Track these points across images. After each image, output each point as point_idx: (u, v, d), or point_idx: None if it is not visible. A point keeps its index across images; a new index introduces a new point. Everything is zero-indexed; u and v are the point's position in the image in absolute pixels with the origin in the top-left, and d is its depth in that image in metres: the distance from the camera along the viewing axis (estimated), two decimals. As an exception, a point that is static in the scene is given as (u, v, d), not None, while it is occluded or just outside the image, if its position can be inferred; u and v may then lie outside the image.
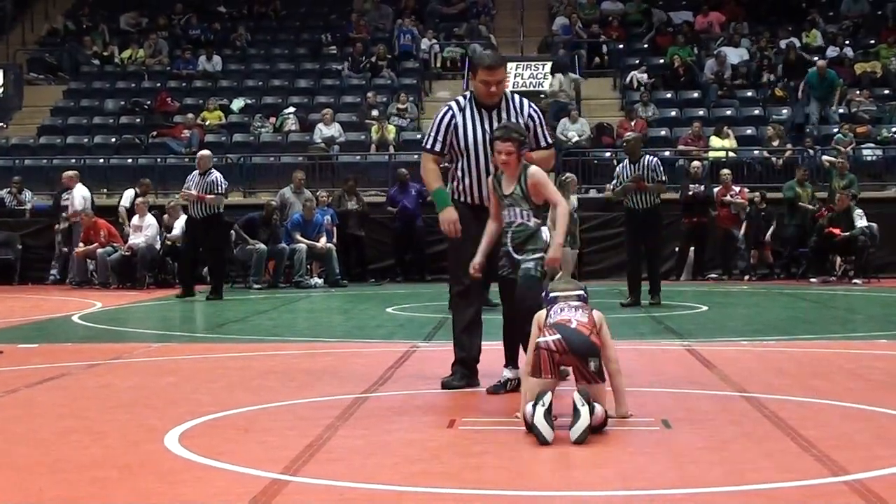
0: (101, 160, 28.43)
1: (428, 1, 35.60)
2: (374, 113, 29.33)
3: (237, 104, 31.01)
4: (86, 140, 29.64)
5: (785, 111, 29.60)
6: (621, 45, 33.38)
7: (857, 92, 29.74)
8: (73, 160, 27.44)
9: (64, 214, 24.49)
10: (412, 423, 7.72)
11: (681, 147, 27.65)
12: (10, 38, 35.91)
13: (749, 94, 30.59)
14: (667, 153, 27.74)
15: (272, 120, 30.01)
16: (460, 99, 9.41)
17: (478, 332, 9.37)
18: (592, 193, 26.26)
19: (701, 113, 29.56)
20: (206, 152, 20.83)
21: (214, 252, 20.24)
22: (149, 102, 31.07)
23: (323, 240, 23.40)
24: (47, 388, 9.62)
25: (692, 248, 24.37)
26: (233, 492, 5.83)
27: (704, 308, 17.56)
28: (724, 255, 24.55)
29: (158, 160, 28.49)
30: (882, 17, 34.04)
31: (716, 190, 24.50)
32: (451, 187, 9.45)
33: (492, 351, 9.51)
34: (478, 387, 9.18)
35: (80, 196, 24.28)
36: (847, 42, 32.27)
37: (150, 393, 9.23)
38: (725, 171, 24.88)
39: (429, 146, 9.36)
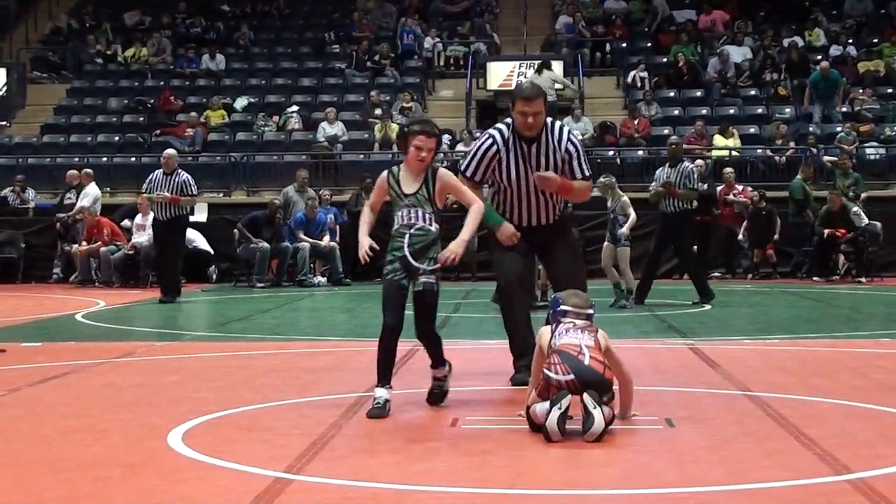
0: (105, 159, 28.43)
1: (431, -1, 35.66)
2: (378, 111, 29.32)
3: (240, 103, 31.01)
4: (89, 139, 29.64)
5: (788, 110, 29.59)
6: (624, 44, 33.37)
7: (861, 91, 29.72)
8: (77, 159, 27.45)
9: (61, 215, 24.44)
10: (415, 422, 7.73)
11: (683, 146, 27.61)
12: (14, 36, 35.94)
13: (752, 92, 30.58)
14: (670, 152, 27.74)
15: (275, 118, 30.01)
16: (503, 128, 9.20)
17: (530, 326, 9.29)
18: (595, 192, 26.17)
19: (704, 112, 29.55)
20: (171, 152, 20.14)
21: (175, 252, 19.52)
22: (152, 101, 31.07)
23: (326, 238, 23.40)
24: (50, 387, 9.62)
25: (695, 247, 24.33)
26: (236, 490, 5.84)
27: (708, 307, 17.55)
28: (728, 254, 24.53)
29: (161, 159, 28.44)
30: (886, 15, 34.00)
31: (719, 189, 24.47)
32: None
33: (494, 349, 9.50)
34: None
35: (94, 194, 24.35)
36: (850, 41, 32.25)
37: (153, 391, 9.24)
38: (728, 169, 24.86)
39: (468, 173, 9.16)
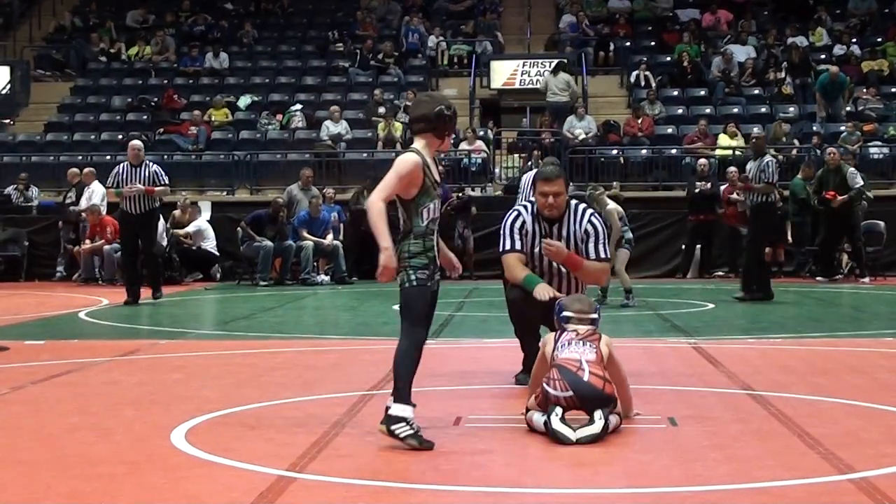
0: (108, 157, 28.38)
1: (435, -2, 35.67)
2: (381, 110, 29.33)
3: (244, 101, 31.02)
4: (93, 137, 29.64)
5: (792, 109, 29.58)
6: (628, 43, 33.38)
7: (864, 90, 29.71)
8: (80, 157, 27.46)
9: (75, 209, 24.40)
10: (418, 421, 7.72)
11: (687, 145, 27.62)
12: (18, 34, 35.96)
13: (756, 91, 30.57)
14: (673, 151, 27.77)
15: (279, 117, 30.02)
16: (527, 205, 9.08)
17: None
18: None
19: (708, 111, 29.55)
20: (138, 143, 19.02)
21: (153, 248, 18.88)
22: (156, 99, 31.08)
23: (329, 237, 23.40)
24: (54, 385, 9.62)
25: (699, 246, 24.36)
26: (239, 488, 5.84)
27: (711, 306, 17.56)
28: (731, 253, 24.52)
29: (165, 157, 28.46)
30: (889, 14, 34.00)
31: (722, 188, 24.47)
32: None
33: (497, 348, 9.50)
34: None
35: (102, 192, 24.36)
36: (854, 40, 32.24)
37: (156, 389, 9.24)
38: (732, 168, 24.84)
39: (508, 248, 8.94)
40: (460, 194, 24.85)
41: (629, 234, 17.63)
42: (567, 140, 27.60)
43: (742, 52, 31.58)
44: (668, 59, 32.14)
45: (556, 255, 8.70)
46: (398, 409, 6.82)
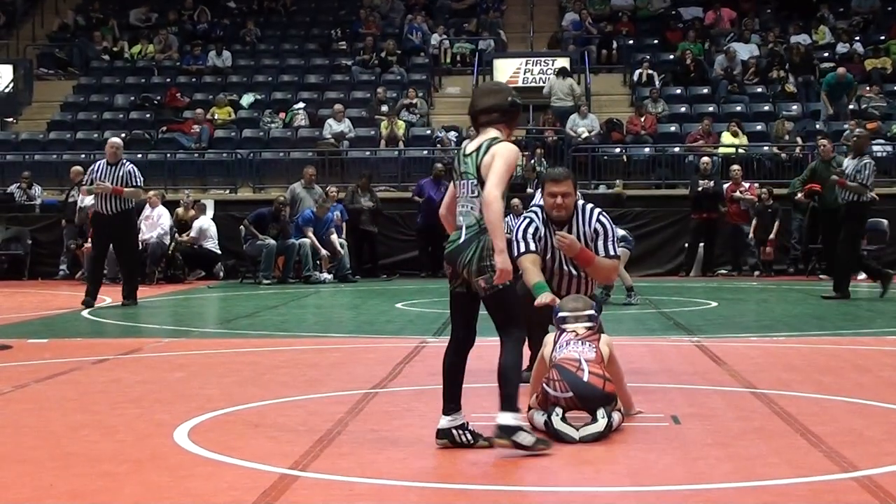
0: (125, 158, 28.36)
1: (438, -4, 35.66)
2: (384, 109, 29.33)
3: (247, 100, 31.01)
4: (95, 135, 29.61)
5: (795, 107, 29.57)
6: (631, 41, 33.38)
7: (868, 88, 29.68)
8: (83, 155, 27.43)
9: (83, 205, 24.33)
10: (421, 419, 7.73)
11: (690, 143, 27.61)
12: (21, 33, 35.96)
13: (759, 89, 30.55)
14: (676, 149, 27.76)
15: (282, 115, 30.01)
16: (537, 210, 9.07)
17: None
18: (602, 189, 26.25)
19: (711, 109, 29.53)
20: (116, 141, 18.40)
21: (130, 251, 18.28)
22: (158, 98, 31.08)
23: (334, 236, 23.35)
24: (57, 383, 9.63)
25: (702, 245, 24.35)
26: (242, 487, 5.84)
27: (714, 304, 17.56)
28: (734, 252, 24.52)
29: (168, 156, 28.52)
30: (892, 12, 33.96)
31: (725, 186, 24.45)
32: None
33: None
34: None
35: None
36: (857, 38, 32.21)
37: (159, 388, 9.25)
38: (735, 167, 24.84)
39: (523, 250, 8.81)
40: None
41: (620, 232, 17.61)
42: (570, 138, 27.59)
43: (745, 51, 31.55)
44: (671, 57, 32.12)
45: (570, 249, 8.68)
46: (511, 419, 6.66)
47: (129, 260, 18.22)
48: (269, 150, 28.83)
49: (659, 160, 27.56)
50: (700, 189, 24.11)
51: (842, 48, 31.59)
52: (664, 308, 16.73)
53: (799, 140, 27.49)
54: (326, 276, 23.32)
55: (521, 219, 9.14)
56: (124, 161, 17.76)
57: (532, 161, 26.19)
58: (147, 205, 23.52)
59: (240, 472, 6.17)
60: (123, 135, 29.39)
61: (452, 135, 28.24)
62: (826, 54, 31.48)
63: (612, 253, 8.87)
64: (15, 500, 5.68)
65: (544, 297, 8.21)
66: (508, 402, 6.71)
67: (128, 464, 6.39)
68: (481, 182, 6.80)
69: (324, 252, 23.18)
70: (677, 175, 26.84)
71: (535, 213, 9.05)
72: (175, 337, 13.32)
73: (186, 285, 22.69)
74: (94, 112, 31.05)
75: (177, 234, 23.65)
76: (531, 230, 8.91)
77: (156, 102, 30.93)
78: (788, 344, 12.30)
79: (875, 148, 27.47)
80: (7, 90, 32.24)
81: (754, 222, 24.14)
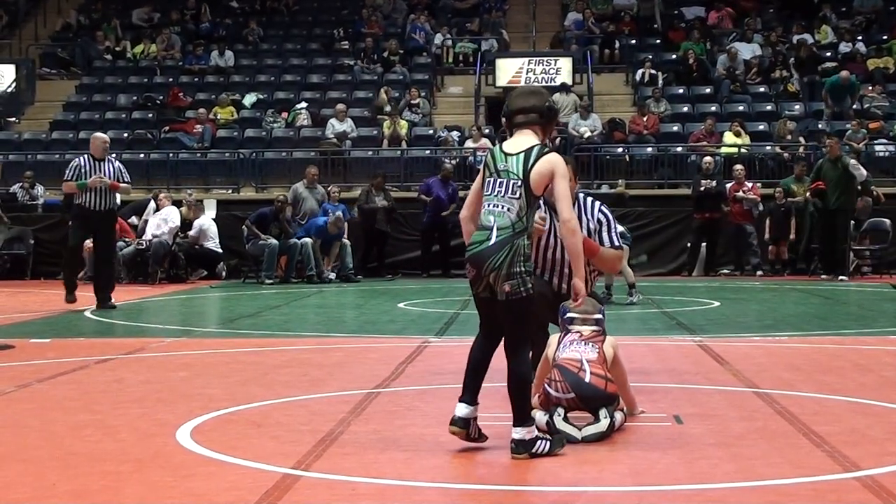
0: (114, 155, 28.32)
1: (441, -5, 35.66)
2: (387, 108, 29.33)
3: (249, 99, 31.02)
4: (98, 135, 29.64)
5: (797, 107, 29.56)
6: (634, 41, 33.37)
7: (870, 88, 29.67)
8: (85, 155, 27.41)
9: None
10: (424, 419, 7.73)
11: (692, 143, 27.60)
12: (23, 33, 35.96)
13: (761, 89, 30.55)
14: (678, 149, 27.74)
15: (284, 115, 30.01)
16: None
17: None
18: (605, 189, 26.24)
19: (713, 108, 29.52)
20: (104, 135, 18.20)
21: (114, 252, 18.24)
22: (161, 97, 31.09)
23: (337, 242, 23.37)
24: (59, 383, 9.63)
25: (704, 244, 24.35)
26: (245, 486, 5.84)
27: (716, 304, 17.55)
28: (737, 251, 24.50)
29: (170, 155, 28.53)
30: (895, 12, 33.95)
31: (728, 186, 24.45)
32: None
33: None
34: None
35: None
36: (860, 38, 32.20)
37: (162, 387, 9.25)
38: (738, 166, 24.83)
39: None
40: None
41: (620, 228, 17.59)
42: (572, 138, 27.59)
43: (747, 50, 31.54)
44: (674, 56, 32.12)
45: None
46: (526, 433, 6.58)
47: (112, 260, 17.97)
48: (272, 149, 28.83)
49: (661, 160, 27.56)
50: (702, 189, 24.10)
51: (844, 48, 31.58)
52: (667, 308, 16.73)
53: (802, 140, 27.47)
54: (331, 275, 23.30)
55: None
56: (111, 157, 17.53)
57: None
58: (155, 204, 23.55)
59: (242, 472, 6.17)
60: (126, 134, 29.49)
61: (455, 134, 28.25)
62: (828, 54, 31.45)
63: (615, 243, 8.88)
64: (17, 500, 5.68)
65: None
66: (521, 415, 6.64)
67: (130, 463, 6.40)
68: (527, 186, 6.70)
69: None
70: (680, 175, 26.83)
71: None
72: (177, 337, 13.32)
73: (189, 285, 22.69)
74: (97, 112, 31.06)
75: (178, 234, 23.63)
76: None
77: (158, 102, 30.94)
78: (791, 344, 12.30)
79: (878, 148, 27.54)
80: (9, 90, 32.24)
81: (767, 222, 24.11)
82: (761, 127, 28.54)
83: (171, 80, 32.36)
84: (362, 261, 24.22)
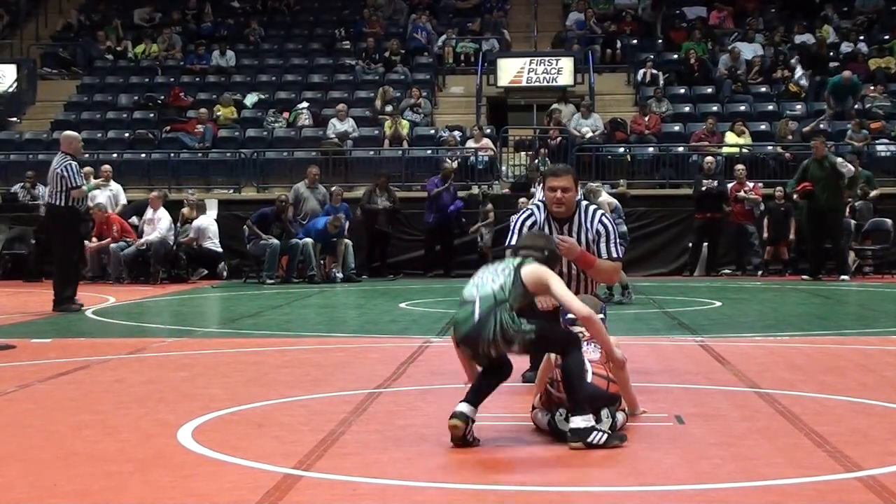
0: (115, 155, 28.42)
1: (442, -5, 35.68)
2: (388, 108, 29.33)
3: (250, 99, 31.04)
4: (99, 135, 29.65)
5: (799, 106, 29.56)
6: (635, 41, 33.37)
7: (872, 87, 29.65)
8: (87, 155, 27.39)
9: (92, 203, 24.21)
10: (425, 419, 7.73)
11: (694, 143, 27.59)
12: (24, 32, 36.00)
13: (763, 89, 30.55)
14: (680, 149, 27.75)
15: (285, 115, 30.03)
16: (539, 205, 9.06)
17: None
18: (606, 189, 26.21)
19: (715, 108, 29.52)
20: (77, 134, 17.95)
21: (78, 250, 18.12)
22: (162, 97, 31.10)
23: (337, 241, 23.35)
24: (61, 383, 9.63)
25: (705, 244, 24.35)
26: (246, 486, 5.84)
27: (718, 304, 17.55)
28: (738, 251, 24.50)
29: (172, 155, 28.54)
30: (897, 12, 34.02)
31: (729, 185, 24.45)
32: None
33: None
34: None
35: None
36: (861, 38, 32.20)
37: (163, 388, 9.25)
38: (739, 166, 24.83)
39: (513, 244, 8.70)
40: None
41: (623, 228, 17.64)
42: (574, 138, 27.59)
43: (749, 50, 31.55)
44: (675, 56, 32.12)
45: (570, 252, 8.66)
46: (582, 421, 6.76)
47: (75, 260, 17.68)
48: (273, 149, 28.85)
49: (663, 160, 27.57)
50: (704, 189, 24.11)
51: (846, 48, 31.58)
52: (668, 308, 16.73)
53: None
54: (339, 274, 23.23)
55: (523, 210, 9.17)
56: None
57: (536, 161, 26.19)
58: (148, 206, 23.57)
59: (243, 472, 6.17)
60: (127, 134, 29.50)
61: (456, 134, 28.26)
62: (830, 54, 31.45)
63: (613, 255, 8.88)
64: (18, 500, 5.67)
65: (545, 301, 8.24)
66: (578, 406, 6.80)
67: (131, 463, 6.39)
68: (517, 275, 7.00)
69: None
70: (681, 175, 26.83)
71: (538, 206, 9.05)
72: (179, 337, 13.32)
73: (190, 285, 22.69)
74: (98, 112, 31.08)
75: (179, 234, 23.65)
76: (528, 223, 8.93)
77: (159, 102, 30.95)
78: (792, 344, 12.29)
79: (879, 148, 27.52)
80: (11, 90, 32.25)
81: (766, 221, 24.12)
82: (763, 127, 28.54)
83: (172, 79, 32.38)
84: (366, 261, 24.23)
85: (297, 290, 21.06)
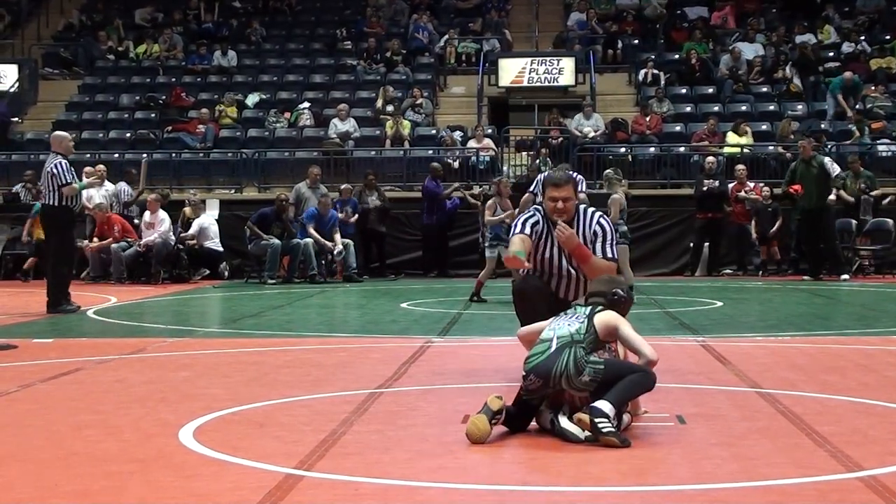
0: (116, 155, 28.45)
1: (443, -5, 35.69)
2: (389, 108, 29.33)
3: (252, 99, 31.05)
4: (101, 135, 29.68)
5: (800, 106, 29.56)
6: (636, 41, 33.37)
7: (873, 87, 29.64)
8: (88, 155, 27.43)
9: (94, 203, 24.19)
10: (427, 419, 7.73)
11: (695, 143, 27.59)
12: (26, 32, 36.01)
13: (764, 89, 30.55)
14: (681, 149, 27.75)
15: (287, 115, 30.04)
16: (540, 209, 9.09)
17: None
18: (607, 189, 26.21)
19: (716, 108, 29.53)
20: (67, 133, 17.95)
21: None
22: (163, 97, 31.11)
23: (338, 236, 23.31)
24: (62, 383, 9.63)
25: (706, 244, 24.35)
26: (247, 486, 5.84)
27: (719, 304, 17.55)
28: (739, 251, 24.50)
29: (173, 155, 28.54)
30: (898, 12, 34.01)
31: (730, 186, 24.45)
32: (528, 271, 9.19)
33: (505, 346, 9.50)
34: None
35: (102, 192, 24.36)
36: (862, 37, 32.19)
37: (164, 387, 9.24)
38: (740, 166, 24.83)
39: (518, 231, 8.95)
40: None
41: (623, 228, 17.65)
42: (575, 138, 27.60)
43: (750, 50, 31.54)
44: (676, 56, 32.12)
45: (568, 241, 8.68)
46: (608, 407, 6.86)
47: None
48: (274, 149, 28.86)
49: (664, 160, 27.58)
50: (705, 189, 24.11)
51: (847, 48, 31.58)
52: (669, 308, 16.73)
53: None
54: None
55: (528, 211, 9.20)
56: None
57: (537, 161, 26.20)
58: (147, 208, 23.57)
59: (245, 472, 6.17)
60: (128, 134, 29.51)
61: (458, 134, 28.26)
62: (831, 54, 31.45)
63: (609, 255, 8.89)
64: (19, 500, 5.67)
65: (517, 258, 8.52)
66: (614, 397, 6.94)
67: (132, 463, 6.39)
68: (590, 321, 7.39)
69: (329, 244, 23.13)
70: (682, 175, 26.83)
71: (540, 209, 9.06)
72: (180, 337, 13.32)
73: (191, 285, 22.69)
74: (99, 112, 31.10)
75: (181, 234, 23.63)
76: (531, 222, 8.95)
77: (161, 102, 30.97)
78: (793, 343, 12.29)
79: (880, 148, 27.51)
80: (12, 90, 32.25)
81: (753, 222, 24.16)
82: (764, 127, 28.54)
83: (173, 80, 32.39)
84: (363, 261, 24.23)
85: (299, 291, 21.05)
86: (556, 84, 30.37)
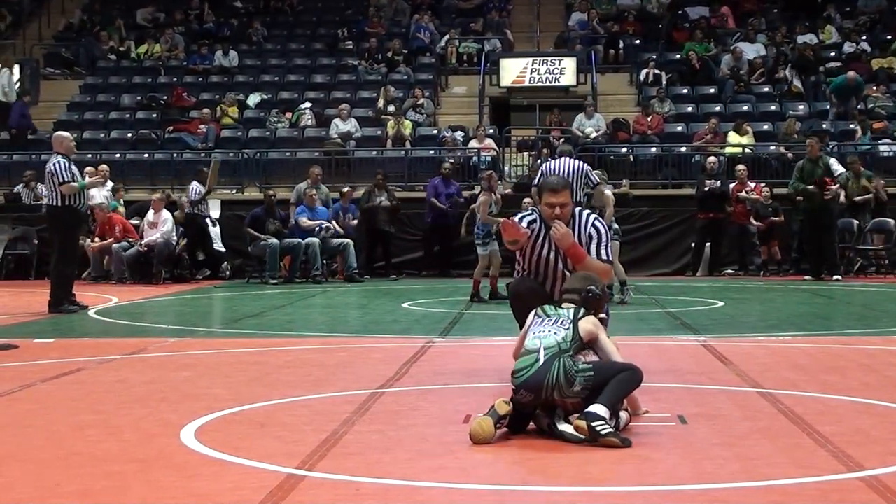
0: (118, 155, 28.45)
1: (445, -5, 35.69)
2: (391, 108, 29.33)
3: (253, 99, 31.06)
4: (102, 135, 29.69)
5: (801, 106, 29.56)
6: (638, 41, 33.37)
7: (874, 88, 29.63)
8: (90, 155, 27.43)
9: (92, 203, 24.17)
10: (428, 419, 7.73)
11: (696, 143, 27.58)
12: (27, 32, 36.02)
13: (765, 89, 30.54)
14: (682, 149, 27.75)
15: (288, 115, 30.04)
16: (538, 211, 9.10)
17: None
18: (608, 189, 26.19)
19: (717, 109, 29.53)
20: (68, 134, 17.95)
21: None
22: (165, 97, 31.12)
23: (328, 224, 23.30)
24: (63, 383, 9.63)
25: (708, 244, 24.35)
26: (248, 486, 5.84)
27: (720, 304, 17.54)
28: (741, 251, 24.50)
29: (174, 155, 28.54)
30: (899, 12, 34.01)
31: (731, 186, 24.44)
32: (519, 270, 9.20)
33: (506, 346, 9.49)
34: None
35: (102, 192, 24.37)
36: (864, 38, 32.18)
37: (165, 387, 9.25)
38: (740, 166, 24.82)
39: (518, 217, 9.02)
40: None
41: (616, 226, 17.72)
42: (576, 138, 27.59)
43: (751, 50, 31.54)
44: (678, 56, 32.12)
45: (563, 240, 8.68)
46: (602, 410, 6.89)
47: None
48: (276, 149, 28.86)
49: (665, 160, 27.57)
50: (706, 189, 24.09)
51: (848, 48, 31.57)
52: (670, 308, 16.72)
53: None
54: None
55: (527, 210, 9.20)
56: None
57: (538, 161, 26.19)
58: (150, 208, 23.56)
59: (246, 472, 6.17)
60: (130, 134, 29.51)
61: (459, 134, 28.26)
62: (832, 54, 31.44)
63: (604, 257, 8.88)
64: (20, 500, 5.68)
65: (514, 224, 8.60)
66: (606, 398, 6.97)
67: (134, 463, 6.39)
68: (576, 327, 7.45)
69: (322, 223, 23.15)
70: (684, 175, 26.83)
71: (537, 212, 9.07)
72: (181, 337, 13.32)
73: (193, 285, 22.69)
74: (101, 112, 31.11)
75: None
76: (528, 220, 8.96)
77: (162, 102, 30.97)
78: (794, 343, 12.29)
79: (881, 148, 27.51)
80: (14, 90, 32.24)
81: (754, 221, 24.15)
82: (765, 127, 28.53)
83: (174, 80, 32.40)
84: (367, 260, 24.23)
85: (300, 290, 21.05)
86: (557, 84, 30.38)
